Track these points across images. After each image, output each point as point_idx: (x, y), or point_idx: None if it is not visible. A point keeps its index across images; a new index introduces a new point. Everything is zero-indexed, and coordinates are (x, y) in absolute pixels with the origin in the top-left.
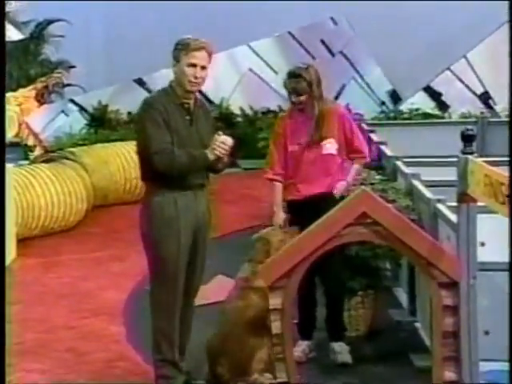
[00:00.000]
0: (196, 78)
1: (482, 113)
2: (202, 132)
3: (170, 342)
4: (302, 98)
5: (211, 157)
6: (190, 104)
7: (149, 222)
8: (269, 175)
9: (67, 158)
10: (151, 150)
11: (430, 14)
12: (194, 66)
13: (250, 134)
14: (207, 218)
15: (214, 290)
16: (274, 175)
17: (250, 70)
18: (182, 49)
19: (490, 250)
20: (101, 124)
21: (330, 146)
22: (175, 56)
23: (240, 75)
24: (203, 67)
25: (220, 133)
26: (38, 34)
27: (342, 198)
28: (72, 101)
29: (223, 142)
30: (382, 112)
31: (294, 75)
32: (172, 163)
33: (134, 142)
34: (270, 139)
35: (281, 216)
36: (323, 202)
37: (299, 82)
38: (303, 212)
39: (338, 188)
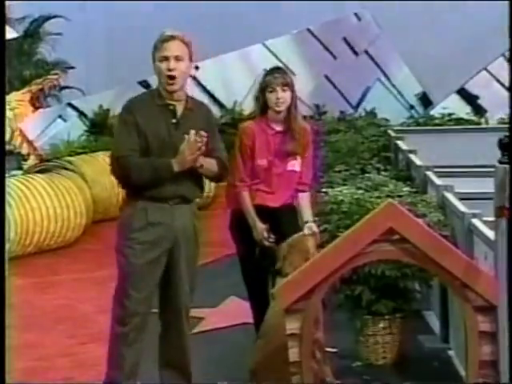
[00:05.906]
0: (170, 69)
1: None
2: None
3: (120, 369)
4: (289, 94)
5: (176, 167)
6: (177, 106)
7: (118, 233)
8: (242, 189)
9: (65, 168)
10: (115, 155)
11: (462, 7)
12: (166, 58)
13: None
14: (189, 234)
15: (226, 312)
16: (246, 187)
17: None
18: (154, 47)
19: None
20: (102, 130)
21: (295, 163)
22: (152, 57)
23: (254, 76)
24: (177, 57)
25: (192, 132)
26: (33, 32)
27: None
28: (70, 105)
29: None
30: (411, 117)
31: (278, 69)
32: (129, 171)
33: None
34: (236, 150)
35: (261, 226)
36: (285, 214)
37: (286, 76)
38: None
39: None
